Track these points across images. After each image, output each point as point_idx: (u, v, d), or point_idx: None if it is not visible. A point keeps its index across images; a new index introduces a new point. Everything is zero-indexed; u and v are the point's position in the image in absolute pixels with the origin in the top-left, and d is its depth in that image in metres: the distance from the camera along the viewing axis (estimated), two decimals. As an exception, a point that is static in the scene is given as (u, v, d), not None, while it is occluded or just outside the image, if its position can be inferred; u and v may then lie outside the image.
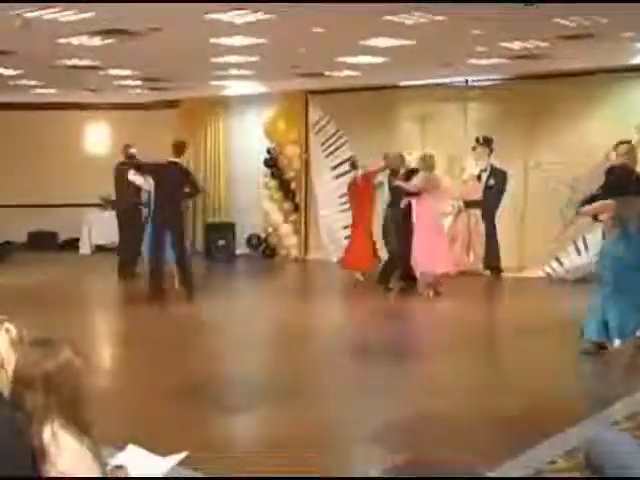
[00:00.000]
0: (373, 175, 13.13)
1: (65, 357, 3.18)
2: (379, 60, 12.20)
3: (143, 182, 13.02)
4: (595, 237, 12.56)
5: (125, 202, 13.79)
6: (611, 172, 8.55)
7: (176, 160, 11.80)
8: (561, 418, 6.19)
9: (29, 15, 8.44)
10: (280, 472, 5.29)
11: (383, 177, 13.01)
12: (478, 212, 13.95)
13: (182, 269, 11.86)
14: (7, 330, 3.15)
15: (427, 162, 11.98)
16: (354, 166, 13.46)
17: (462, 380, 7.81)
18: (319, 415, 6.58)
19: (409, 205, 11.97)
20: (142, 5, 7.98)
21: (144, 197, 13.30)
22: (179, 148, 11.88)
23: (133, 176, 13.15)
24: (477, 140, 13.28)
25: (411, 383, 7.62)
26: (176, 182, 11.73)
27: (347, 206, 15.39)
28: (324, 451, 5.82)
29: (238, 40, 10.30)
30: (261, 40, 10.30)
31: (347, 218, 15.46)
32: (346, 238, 15.27)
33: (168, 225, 11.66)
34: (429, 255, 11.79)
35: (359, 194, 13.27)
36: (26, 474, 2.94)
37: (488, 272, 13.84)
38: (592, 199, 8.53)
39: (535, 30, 9.86)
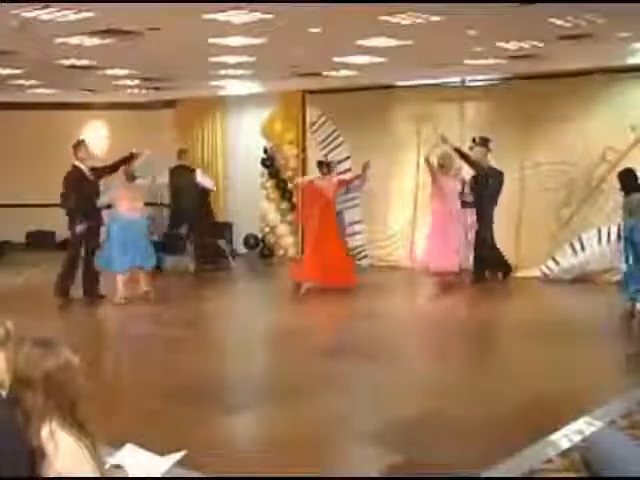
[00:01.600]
0: (348, 183, 13.20)
1: (65, 357, 3.18)
2: (376, 60, 12.20)
3: (210, 184, 14.30)
4: (590, 237, 12.68)
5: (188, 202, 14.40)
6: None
7: (74, 163, 11.68)
8: (557, 417, 6.20)
9: (27, 15, 8.44)
10: (279, 472, 5.30)
11: None
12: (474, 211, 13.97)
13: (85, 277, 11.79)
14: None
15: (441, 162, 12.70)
16: (329, 170, 12.84)
17: (459, 380, 7.82)
18: (317, 415, 6.58)
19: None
20: (140, 5, 7.98)
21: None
22: (73, 148, 11.79)
23: (201, 178, 14.22)
24: (474, 140, 13.27)
25: (408, 383, 7.62)
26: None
27: (344, 205, 15.41)
28: (323, 450, 5.84)
29: (236, 40, 10.30)
30: (259, 40, 10.29)
31: (344, 218, 15.51)
32: (348, 236, 15.33)
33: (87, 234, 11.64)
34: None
35: (326, 200, 12.53)
36: (24, 473, 2.94)
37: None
38: None
39: (531, 30, 9.86)
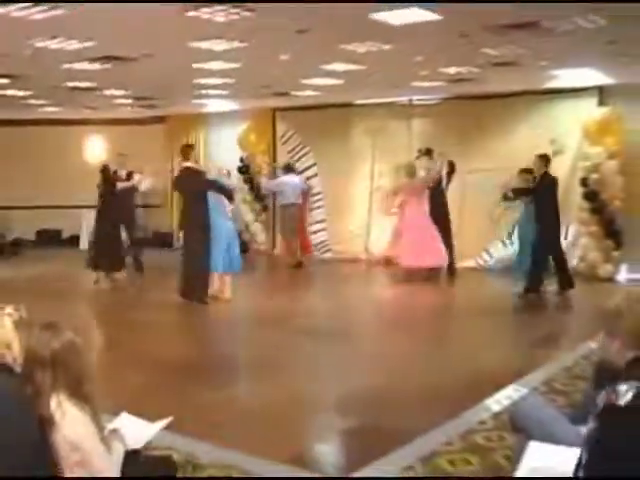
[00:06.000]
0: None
1: (69, 338, 3.20)
2: (336, 82, 12.23)
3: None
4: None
5: None
6: None
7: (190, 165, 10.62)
8: (489, 385, 6.26)
9: (39, 45, 8.39)
10: (256, 436, 5.32)
11: None
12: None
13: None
14: (9, 315, 3.15)
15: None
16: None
17: (406, 357, 7.85)
18: (289, 387, 6.60)
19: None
20: (135, 35, 7.97)
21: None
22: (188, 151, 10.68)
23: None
24: (420, 151, 13.30)
25: (366, 359, 7.64)
26: None
27: (310, 206, 15.42)
28: (292, 415, 5.87)
29: (216, 65, 10.28)
30: (236, 65, 10.28)
31: (310, 217, 15.52)
32: (310, 234, 15.34)
33: None
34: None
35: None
36: (34, 437, 2.94)
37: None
38: None
39: (468, 58, 9.94)
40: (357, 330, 9.12)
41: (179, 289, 10.28)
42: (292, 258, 13.61)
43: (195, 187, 10.16)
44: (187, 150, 10.60)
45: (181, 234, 10.80)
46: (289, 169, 14.31)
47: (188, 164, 10.44)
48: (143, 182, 12.95)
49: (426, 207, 12.23)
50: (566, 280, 10.63)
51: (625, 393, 2.56)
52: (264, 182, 15.22)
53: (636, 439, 2.51)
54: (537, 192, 10.53)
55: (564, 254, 10.90)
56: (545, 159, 10.61)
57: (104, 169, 12.35)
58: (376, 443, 5.10)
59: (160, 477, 3.52)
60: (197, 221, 10.08)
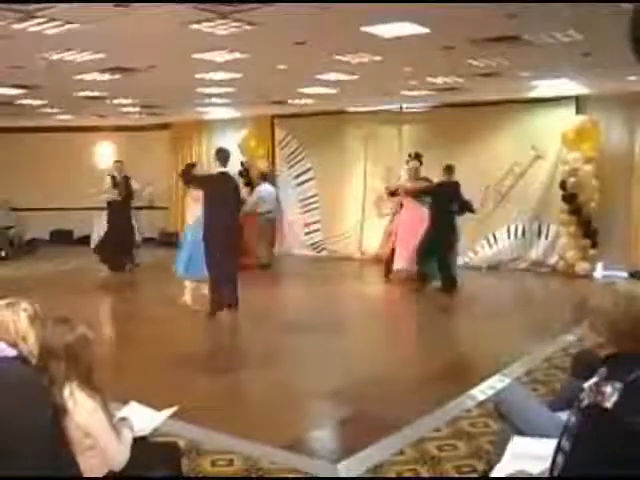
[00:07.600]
0: None
1: (81, 332, 3.21)
2: (331, 91, 12.23)
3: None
4: (501, 233, 12.84)
5: None
6: None
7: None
8: (474, 376, 6.28)
9: (53, 57, 8.38)
10: (254, 422, 5.32)
11: None
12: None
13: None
14: (24, 309, 3.16)
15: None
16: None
17: (395, 350, 7.87)
18: (285, 378, 6.61)
19: None
20: (142, 47, 7.96)
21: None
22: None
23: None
24: (409, 155, 13.30)
25: (358, 351, 7.65)
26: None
27: (307, 208, 15.41)
28: (289, 403, 5.88)
29: (218, 75, 10.27)
30: (237, 75, 10.28)
31: (306, 218, 15.51)
32: (307, 234, 15.35)
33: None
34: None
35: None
36: (48, 423, 2.95)
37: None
38: None
39: (454, 69, 9.95)
40: (346, 326, 9.11)
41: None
42: (260, 260, 13.51)
43: (236, 197, 9.58)
44: (225, 155, 9.57)
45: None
46: (264, 178, 14.24)
47: (225, 170, 9.53)
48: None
49: (422, 213, 12.10)
50: (449, 280, 10.85)
51: (610, 396, 2.55)
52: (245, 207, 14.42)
53: (621, 441, 2.51)
54: (433, 196, 11.07)
55: (449, 259, 11.06)
56: (449, 169, 11.03)
57: (114, 178, 12.84)
58: (369, 430, 5.11)
59: (165, 478, 3.52)
60: (234, 230, 9.51)
